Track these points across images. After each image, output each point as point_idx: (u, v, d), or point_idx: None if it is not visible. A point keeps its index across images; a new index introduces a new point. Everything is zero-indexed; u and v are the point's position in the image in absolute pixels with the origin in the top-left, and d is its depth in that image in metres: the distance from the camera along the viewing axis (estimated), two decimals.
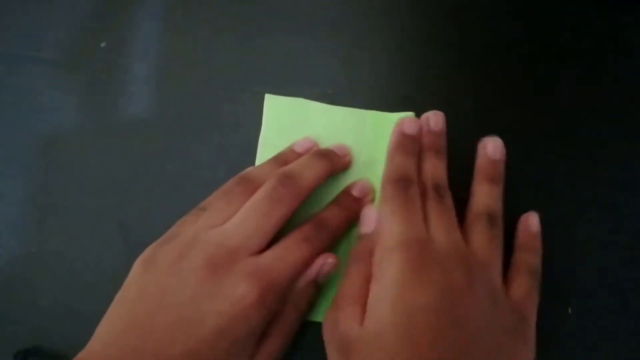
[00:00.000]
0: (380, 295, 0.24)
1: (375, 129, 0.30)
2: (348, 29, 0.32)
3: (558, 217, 0.30)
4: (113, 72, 0.32)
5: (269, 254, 0.25)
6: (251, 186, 0.27)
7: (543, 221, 0.29)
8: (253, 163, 0.31)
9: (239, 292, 0.23)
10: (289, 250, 0.25)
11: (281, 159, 0.29)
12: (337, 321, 0.25)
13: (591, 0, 0.31)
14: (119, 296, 0.25)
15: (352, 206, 0.29)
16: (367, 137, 0.30)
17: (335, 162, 0.29)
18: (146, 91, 0.32)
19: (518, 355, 0.24)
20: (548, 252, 0.29)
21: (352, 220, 0.29)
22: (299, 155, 0.29)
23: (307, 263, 0.26)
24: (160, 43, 0.32)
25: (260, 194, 0.26)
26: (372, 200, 0.29)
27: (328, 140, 0.30)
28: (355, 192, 0.29)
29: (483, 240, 0.26)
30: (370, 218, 0.28)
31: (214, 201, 0.27)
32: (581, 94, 0.30)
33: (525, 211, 0.29)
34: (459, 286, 0.23)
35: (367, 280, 0.25)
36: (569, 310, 0.29)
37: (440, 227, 0.25)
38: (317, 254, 0.26)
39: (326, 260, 0.27)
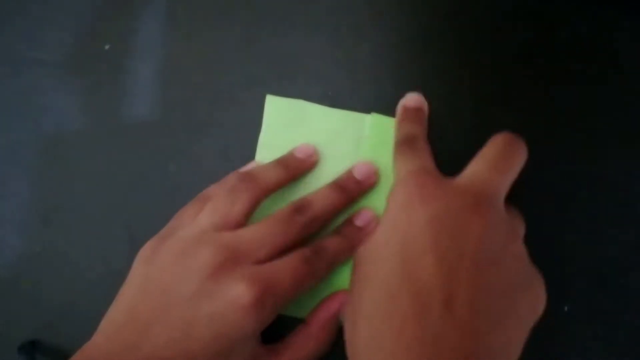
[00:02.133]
0: (385, 218, 0.25)
1: (374, 132, 0.30)
2: (348, 29, 0.32)
3: (556, 216, 0.30)
4: (116, 73, 0.32)
5: (272, 264, 0.25)
6: (255, 184, 0.27)
7: (541, 220, 0.30)
8: None
9: (234, 293, 0.23)
10: (290, 265, 0.25)
11: (283, 163, 0.29)
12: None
13: (591, 1, 0.31)
14: (121, 290, 0.25)
15: (354, 236, 0.29)
16: (366, 140, 0.30)
17: (350, 193, 0.29)
18: (149, 93, 0.32)
19: (535, 289, 0.24)
20: (545, 251, 0.29)
21: (354, 249, 0.29)
22: (300, 160, 0.30)
23: (305, 282, 0.26)
24: (163, 45, 0.33)
25: (282, 214, 0.26)
26: (375, 229, 0.29)
27: (327, 142, 0.31)
28: (358, 222, 0.29)
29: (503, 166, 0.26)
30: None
31: (216, 197, 0.27)
32: (581, 94, 0.31)
33: (523, 210, 0.30)
34: (466, 207, 0.23)
35: None
36: (565, 308, 0.29)
37: (477, 165, 0.25)
38: (316, 276, 0.26)
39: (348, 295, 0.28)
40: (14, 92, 0.33)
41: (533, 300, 0.24)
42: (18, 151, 0.33)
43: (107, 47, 0.33)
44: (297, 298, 0.26)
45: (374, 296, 0.23)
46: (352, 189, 0.29)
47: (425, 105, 0.30)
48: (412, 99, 0.30)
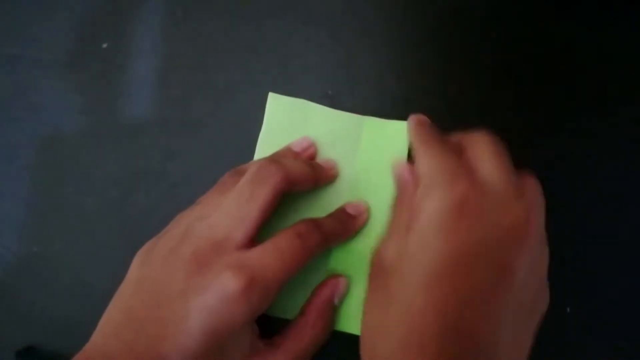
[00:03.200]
0: (418, 228, 0.23)
1: (371, 136, 0.30)
2: (348, 29, 0.32)
3: (557, 217, 0.30)
4: (114, 72, 0.32)
5: (257, 248, 0.24)
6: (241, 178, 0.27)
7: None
8: None
9: (221, 284, 0.23)
10: (279, 246, 0.24)
11: (277, 157, 0.29)
12: (376, 251, 0.25)
13: (591, 0, 0.31)
14: (118, 290, 0.25)
15: (347, 221, 0.29)
16: (363, 144, 0.30)
17: (318, 172, 0.29)
18: (147, 91, 0.32)
19: (544, 305, 0.24)
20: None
21: (347, 235, 0.29)
22: (296, 153, 0.30)
23: (298, 262, 0.25)
24: (161, 44, 0.33)
25: (242, 180, 0.25)
26: (367, 220, 0.29)
27: (326, 143, 0.31)
28: (350, 210, 0.29)
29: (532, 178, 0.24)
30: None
31: (207, 194, 0.27)
32: (581, 94, 0.31)
33: None
34: (514, 225, 0.22)
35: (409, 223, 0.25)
36: (568, 309, 0.29)
37: (491, 163, 0.24)
38: (309, 254, 0.25)
39: (339, 279, 0.28)
40: (12, 91, 0.33)
41: (541, 307, 0.24)
42: (15, 150, 0.33)
43: (104, 45, 0.33)
44: (291, 279, 0.25)
45: (398, 310, 0.22)
46: (347, 222, 0.29)
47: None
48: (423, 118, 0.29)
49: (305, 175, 0.27)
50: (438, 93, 0.31)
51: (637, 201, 0.30)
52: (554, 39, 0.31)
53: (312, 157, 0.30)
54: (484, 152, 0.24)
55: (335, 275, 0.29)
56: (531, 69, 0.31)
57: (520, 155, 0.30)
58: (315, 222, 0.26)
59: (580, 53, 0.31)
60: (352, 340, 0.29)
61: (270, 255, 0.24)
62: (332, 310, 0.28)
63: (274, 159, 0.26)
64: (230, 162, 0.31)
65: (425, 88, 0.31)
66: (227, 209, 0.25)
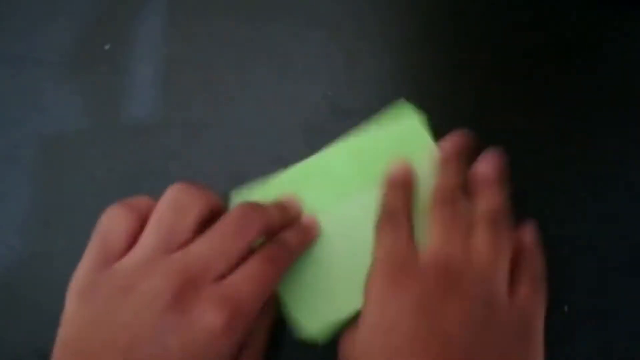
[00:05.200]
0: (363, 316, 0.25)
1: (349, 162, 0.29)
2: (348, 30, 0.32)
3: (556, 217, 0.30)
4: (116, 74, 0.33)
5: (235, 277, 0.23)
6: (205, 193, 0.26)
7: (541, 220, 0.30)
8: (254, 163, 0.31)
9: (204, 322, 0.22)
10: (255, 272, 0.24)
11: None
12: (339, 344, 0.27)
13: (593, 1, 0.31)
14: (62, 332, 0.23)
15: (307, 228, 0.28)
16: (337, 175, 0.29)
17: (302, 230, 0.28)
18: (149, 92, 0.32)
19: None
20: (545, 251, 0.30)
21: (309, 240, 0.28)
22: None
23: (272, 284, 0.25)
24: (163, 46, 0.33)
25: (228, 216, 0.24)
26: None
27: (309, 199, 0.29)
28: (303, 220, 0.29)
29: (483, 244, 0.25)
30: None
31: (158, 212, 0.24)
32: (582, 94, 0.31)
33: (524, 212, 0.30)
34: (436, 298, 0.24)
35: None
36: (565, 308, 0.29)
37: (436, 237, 0.26)
38: (281, 274, 0.25)
39: None
40: (14, 92, 0.33)
41: None
42: (18, 151, 0.33)
43: (107, 47, 0.33)
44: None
45: None
46: (307, 228, 0.29)
47: (413, 175, 0.29)
48: (400, 169, 0.29)
49: (284, 223, 0.27)
50: (438, 94, 0.31)
51: (637, 199, 0.30)
52: (555, 38, 0.31)
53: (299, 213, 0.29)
54: (432, 220, 0.26)
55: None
56: (531, 69, 0.31)
57: (521, 155, 0.30)
58: (282, 243, 0.26)
59: (579, 53, 0.31)
60: None
61: (247, 282, 0.23)
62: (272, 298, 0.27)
63: (260, 205, 0.26)
64: (230, 163, 0.31)
65: (426, 89, 0.31)
66: (207, 243, 0.23)
